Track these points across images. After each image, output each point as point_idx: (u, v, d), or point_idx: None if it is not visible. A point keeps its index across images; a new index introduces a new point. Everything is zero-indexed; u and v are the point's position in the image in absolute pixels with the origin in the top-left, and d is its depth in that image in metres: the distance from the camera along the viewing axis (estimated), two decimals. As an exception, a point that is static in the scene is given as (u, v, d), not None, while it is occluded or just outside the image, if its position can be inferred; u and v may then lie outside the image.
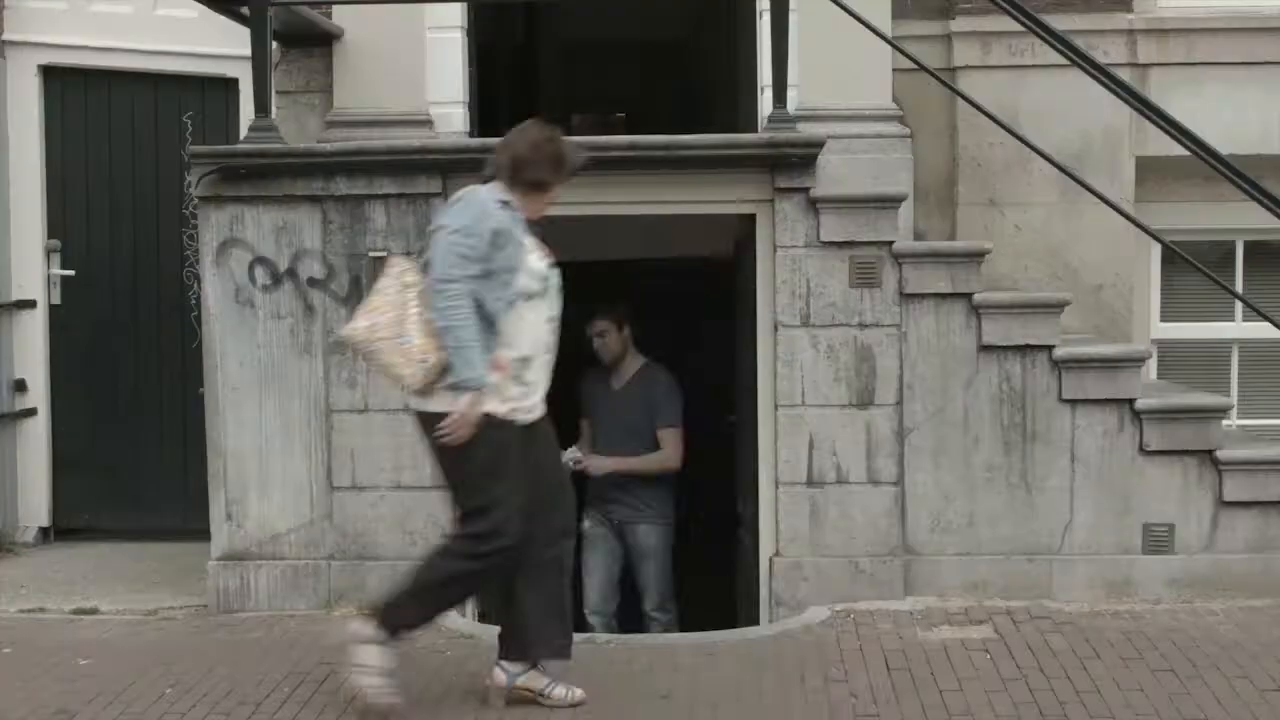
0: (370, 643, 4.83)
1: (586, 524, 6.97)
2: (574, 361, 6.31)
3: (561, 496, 5.04)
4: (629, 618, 7.14)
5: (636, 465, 6.95)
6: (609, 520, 7.08)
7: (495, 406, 4.73)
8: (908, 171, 6.78)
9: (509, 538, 4.76)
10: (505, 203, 4.80)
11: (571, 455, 6.74)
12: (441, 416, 4.71)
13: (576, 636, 5.89)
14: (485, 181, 4.90)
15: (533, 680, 4.96)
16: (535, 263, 4.84)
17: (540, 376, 4.87)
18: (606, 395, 7.06)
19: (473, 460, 4.74)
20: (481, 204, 4.78)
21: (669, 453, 6.95)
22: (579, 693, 4.97)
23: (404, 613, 4.90)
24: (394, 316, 4.77)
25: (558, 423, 5.12)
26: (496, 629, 5.15)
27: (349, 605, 6.15)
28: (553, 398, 5.00)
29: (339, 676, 5.25)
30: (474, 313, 4.65)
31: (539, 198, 4.89)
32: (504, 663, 4.99)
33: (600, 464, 6.92)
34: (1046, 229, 7.10)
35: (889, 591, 6.09)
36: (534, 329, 4.83)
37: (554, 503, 4.98)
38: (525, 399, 4.82)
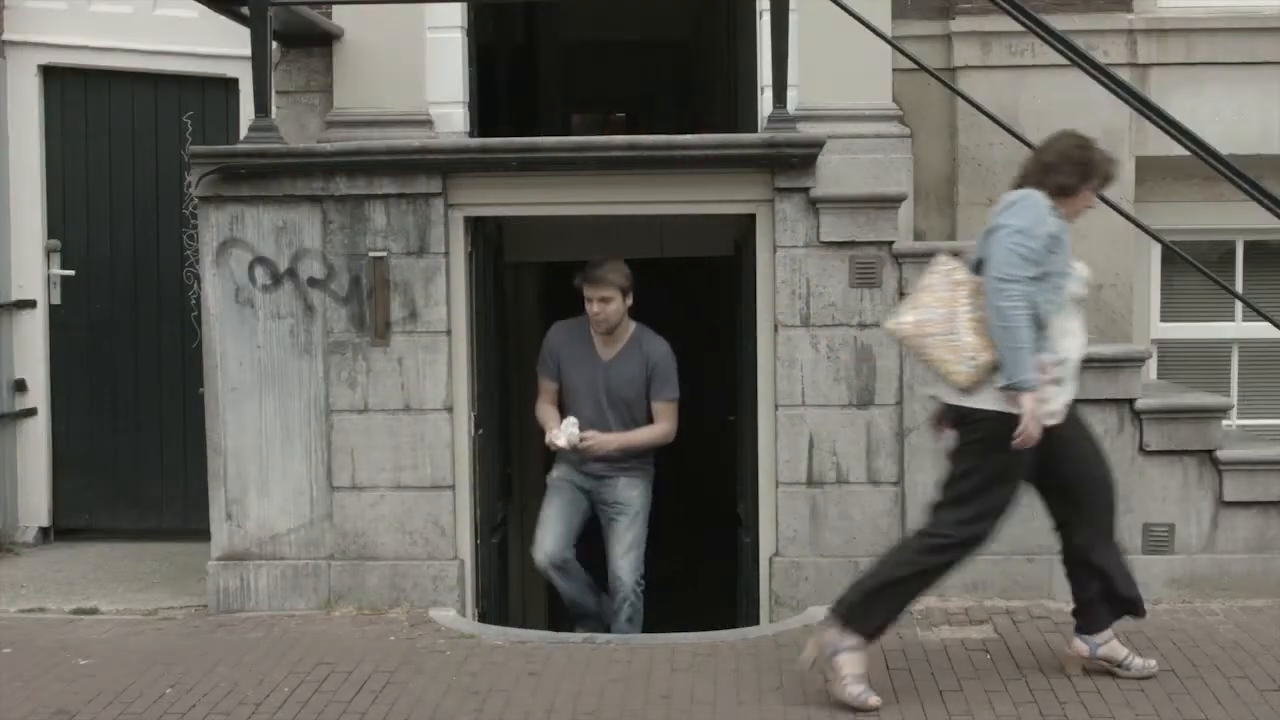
0: (851, 650, 4.89)
1: (555, 474, 6.48)
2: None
3: (1106, 484, 5.18)
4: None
5: (638, 441, 6.38)
6: (582, 473, 6.40)
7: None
8: (908, 171, 6.79)
9: (986, 540, 4.96)
10: (1054, 208, 4.88)
11: (571, 432, 6.24)
12: (980, 414, 4.81)
13: (574, 636, 5.92)
14: (1017, 187, 4.97)
15: (1113, 650, 5.15)
16: (1080, 269, 4.96)
17: (1071, 379, 4.96)
18: (593, 364, 6.41)
19: (992, 463, 4.84)
20: (1039, 207, 4.84)
21: (667, 427, 6.41)
22: (1152, 664, 5.16)
23: (876, 614, 4.92)
24: (945, 314, 4.87)
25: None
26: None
27: (349, 605, 6.16)
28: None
29: (337, 677, 5.27)
30: (1030, 314, 4.73)
31: (1067, 203, 4.94)
32: (1084, 636, 5.17)
33: (605, 441, 6.31)
34: (1046, 229, 7.09)
35: (889, 591, 6.09)
36: (1072, 333, 4.92)
37: (1095, 490, 5.13)
38: (1055, 401, 4.89)
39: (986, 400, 4.81)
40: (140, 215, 7.63)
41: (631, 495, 6.37)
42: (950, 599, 6.07)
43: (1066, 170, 4.93)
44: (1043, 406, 4.77)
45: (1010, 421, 4.73)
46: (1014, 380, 4.71)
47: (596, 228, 6.90)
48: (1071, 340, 4.93)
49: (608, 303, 6.26)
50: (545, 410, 6.47)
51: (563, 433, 6.24)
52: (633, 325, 6.43)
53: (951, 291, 4.89)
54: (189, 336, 7.41)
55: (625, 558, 6.32)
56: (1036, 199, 4.86)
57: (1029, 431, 4.72)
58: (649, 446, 6.43)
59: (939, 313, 4.88)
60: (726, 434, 7.18)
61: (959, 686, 5.11)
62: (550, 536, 6.29)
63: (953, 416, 4.96)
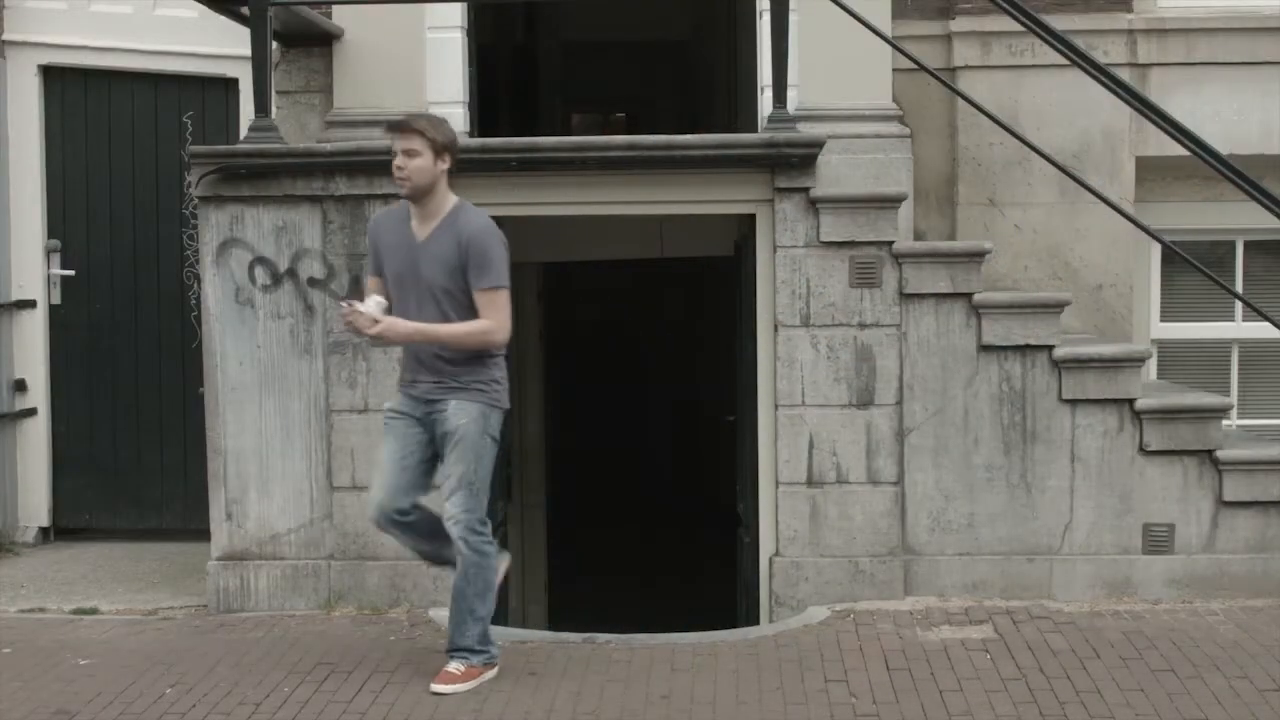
0: None
1: (387, 406, 5.38)
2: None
3: None
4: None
5: (446, 335, 5.13)
6: (412, 397, 5.26)
7: None
8: (908, 171, 6.79)
9: None
10: None
11: (375, 308, 5.09)
12: None
13: (574, 636, 5.91)
14: None
15: None
16: None
17: None
18: (409, 247, 5.20)
19: None
20: None
21: (488, 323, 5.12)
22: None
23: None
24: None
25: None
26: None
27: (349, 605, 6.16)
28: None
29: (337, 677, 5.27)
30: None
31: None
32: None
33: (400, 328, 5.12)
34: (1046, 229, 7.11)
35: (889, 591, 6.10)
36: None
37: None
38: None
39: None
40: (140, 215, 7.63)
41: (460, 424, 5.15)
42: (950, 599, 6.07)
43: None
44: None
45: None
46: None
47: (596, 227, 6.90)
48: None
49: (411, 156, 5.11)
50: None
51: (366, 306, 5.12)
52: (453, 199, 5.25)
53: None
54: (189, 336, 7.42)
55: (450, 499, 5.16)
56: None
57: None
58: (462, 346, 5.15)
59: None
60: (726, 433, 7.18)
61: (959, 686, 5.11)
62: (381, 487, 5.25)
63: None
